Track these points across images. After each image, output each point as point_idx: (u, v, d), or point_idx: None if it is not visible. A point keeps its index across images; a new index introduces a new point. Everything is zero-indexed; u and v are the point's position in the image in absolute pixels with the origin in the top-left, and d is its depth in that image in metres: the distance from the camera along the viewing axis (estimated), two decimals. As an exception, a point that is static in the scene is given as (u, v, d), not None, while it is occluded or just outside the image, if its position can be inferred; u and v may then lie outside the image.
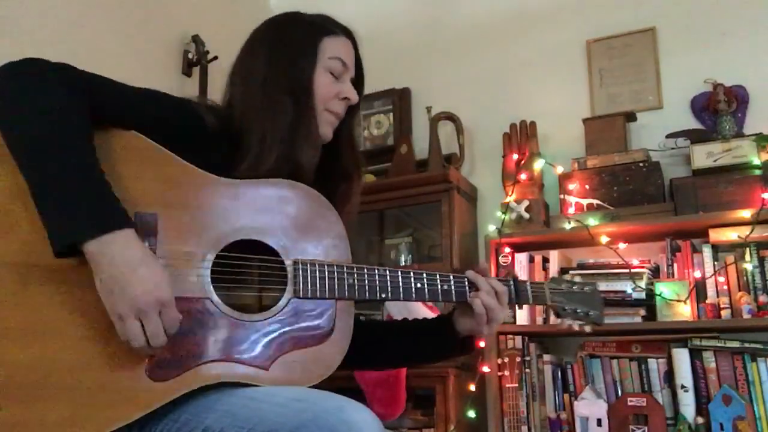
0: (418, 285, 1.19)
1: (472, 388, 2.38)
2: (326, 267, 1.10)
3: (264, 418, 0.91)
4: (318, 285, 1.09)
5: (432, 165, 2.72)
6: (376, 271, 1.15)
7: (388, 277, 1.16)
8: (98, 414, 0.91)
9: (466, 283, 1.25)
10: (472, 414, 2.38)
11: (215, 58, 2.81)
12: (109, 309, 0.91)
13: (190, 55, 2.78)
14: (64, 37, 2.28)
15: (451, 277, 1.24)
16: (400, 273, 1.18)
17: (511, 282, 1.31)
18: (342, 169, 1.29)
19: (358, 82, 1.31)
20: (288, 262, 1.08)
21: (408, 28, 3.11)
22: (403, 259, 2.72)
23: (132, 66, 2.49)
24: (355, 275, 1.13)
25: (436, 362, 1.44)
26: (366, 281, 1.14)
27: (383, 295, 1.15)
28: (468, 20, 3.04)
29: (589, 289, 1.42)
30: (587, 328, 1.40)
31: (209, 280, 1.02)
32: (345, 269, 1.12)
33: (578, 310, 1.38)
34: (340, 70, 1.25)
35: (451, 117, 2.80)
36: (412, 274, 1.20)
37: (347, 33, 1.29)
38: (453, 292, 1.24)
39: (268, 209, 1.10)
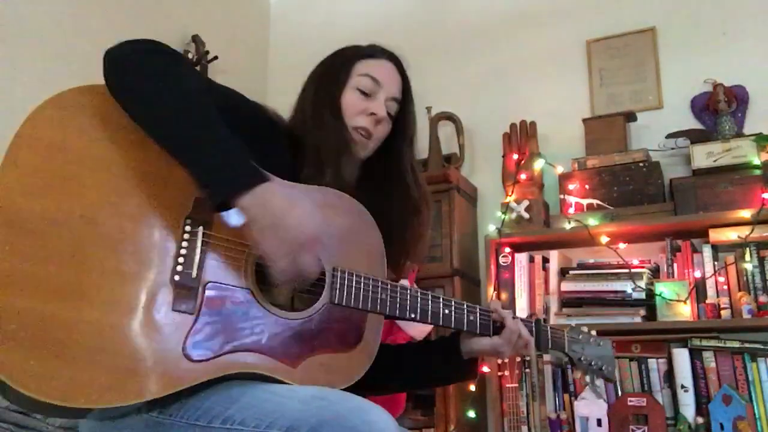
0: (446, 311, 1.23)
1: (472, 388, 2.38)
2: (362, 278, 1.14)
3: (285, 413, 0.92)
4: (353, 294, 1.12)
5: (432, 165, 2.72)
6: (409, 291, 1.19)
7: (419, 299, 1.20)
8: (132, 384, 0.91)
9: (491, 317, 1.28)
10: (472, 414, 2.38)
11: (215, 58, 2.82)
12: (272, 252, 0.99)
13: (190, 55, 2.78)
14: (64, 36, 2.28)
15: (478, 309, 1.27)
16: (430, 296, 1.22)
17: (533, 324, 1.33)
18: (412, 203, 1.32)
19: (405, 108, 1.33)
20: (328, 268, 1.11)
21: (407, 28, 3.11)
22: (403, 259, 2.72)
23: (132, 66, 2.49)
24: (389, 292, 1.16)
25: (443, 385, 1.46)
26: (398, 299, 1.17)
27: (412, 315, 1.18)
28: (468, 20, 3.04)
29: (603, 343, 1.43)
30: (598, 383, 1.42)
31: (252, 272, 1.05)
32: (380, 284, 1.15)
33: (592, 363, 1.39)
34: (370, 88, 1.28)
35: (451, 117, 2.80)
36: (441, 299, 1.23)
37: (389, 56, 1.33)
38: (477, 323, 1.27)
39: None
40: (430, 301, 1.21)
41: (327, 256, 1.12)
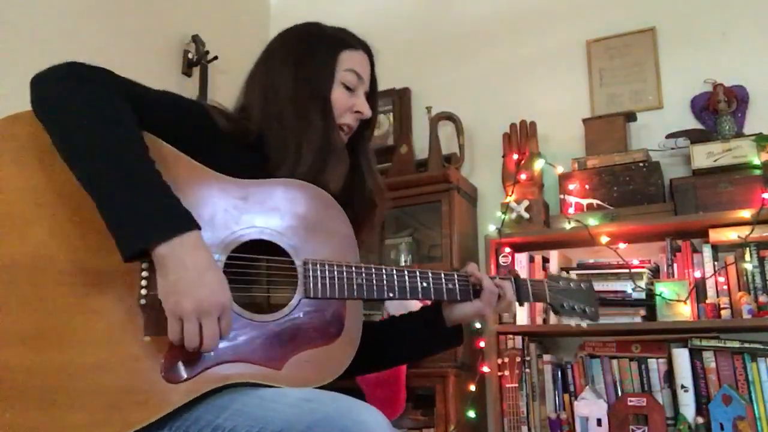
0: (424, 284, 1.21)
1: (472, 388, 2.38)
2: (335, 267, 1.10)
3: (275, 417, 0.91)
4: (328, 285, 1.09)
5: (432, 165, 2.72)
6: (384, 270, 1.16)
7: (395, 277, 1.17)
8: (116, 417, 0.89)
9: (470, 281, 1.27)
10: (472, 414, 2.38)
11: (215, 58, 2.82)
12: (171, 309, 0.91)
13: (190, 55, 2.78)
14: (64, 36, 2.28)
15: (456, 276, 1.26)
16: (406, 272, 1.19)
17: (512, 279, 1.32)
18: (366, 195, 1.29)
19: (372, 98, 1.31)
20: (298, 262, 1.08)
21: (408, 28, 3.11)
22: (403, 259, 2.72)
23: (132, 66, 2.46)
24: (363, 275, 1.13)
25: (430, 355, 1.43)
26: (374, 281, 1.14)
27: (390, 294, 1.16)
28: (468, 20, 3.04)
29: (585, 286, 1.43)
30: (584, 325, 1.41)
31: None
32: (354, 269, 1.12)
33: (575, 307, 1.39)
34: (354, 83, 1.25)
35: (451, 117, 2.80)
36: (418, 273, 1.21)
37: (365, 47, 1.30)
38: (457, 290, 1.26)
39: (277, 209, 1.10)
40: (406, 277, 1.19)
41: (295, 249, 1.09)
